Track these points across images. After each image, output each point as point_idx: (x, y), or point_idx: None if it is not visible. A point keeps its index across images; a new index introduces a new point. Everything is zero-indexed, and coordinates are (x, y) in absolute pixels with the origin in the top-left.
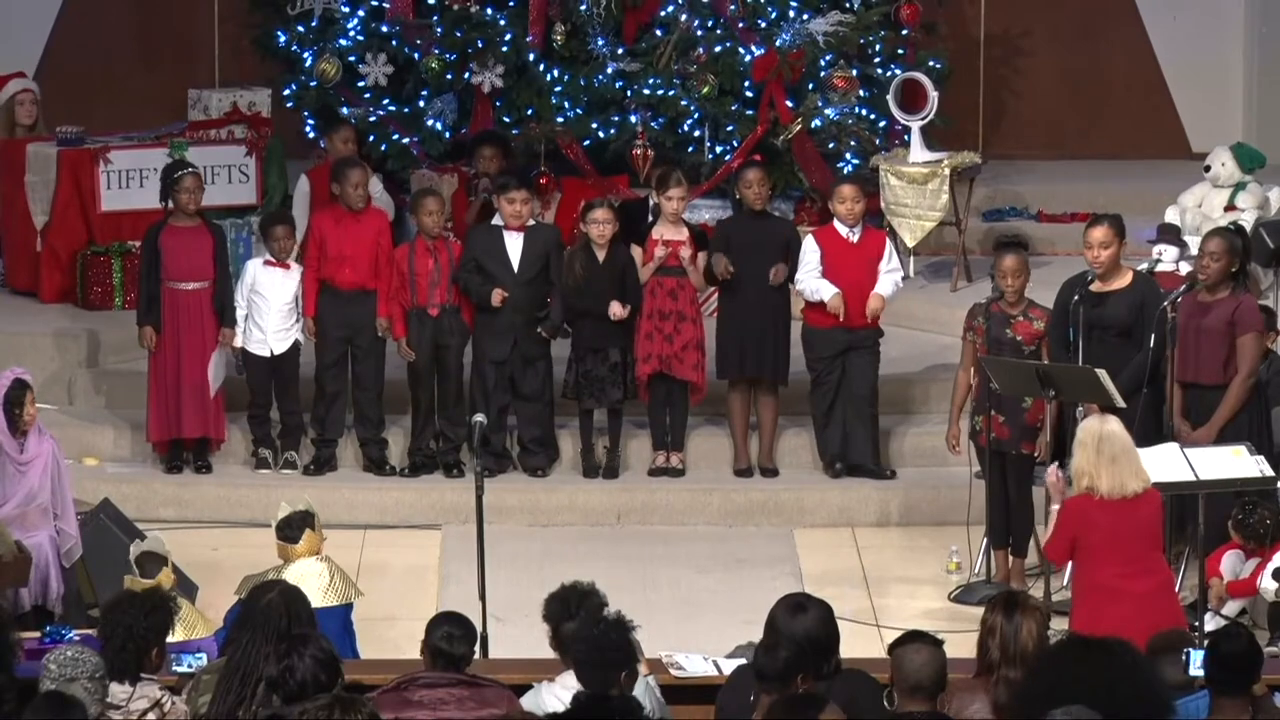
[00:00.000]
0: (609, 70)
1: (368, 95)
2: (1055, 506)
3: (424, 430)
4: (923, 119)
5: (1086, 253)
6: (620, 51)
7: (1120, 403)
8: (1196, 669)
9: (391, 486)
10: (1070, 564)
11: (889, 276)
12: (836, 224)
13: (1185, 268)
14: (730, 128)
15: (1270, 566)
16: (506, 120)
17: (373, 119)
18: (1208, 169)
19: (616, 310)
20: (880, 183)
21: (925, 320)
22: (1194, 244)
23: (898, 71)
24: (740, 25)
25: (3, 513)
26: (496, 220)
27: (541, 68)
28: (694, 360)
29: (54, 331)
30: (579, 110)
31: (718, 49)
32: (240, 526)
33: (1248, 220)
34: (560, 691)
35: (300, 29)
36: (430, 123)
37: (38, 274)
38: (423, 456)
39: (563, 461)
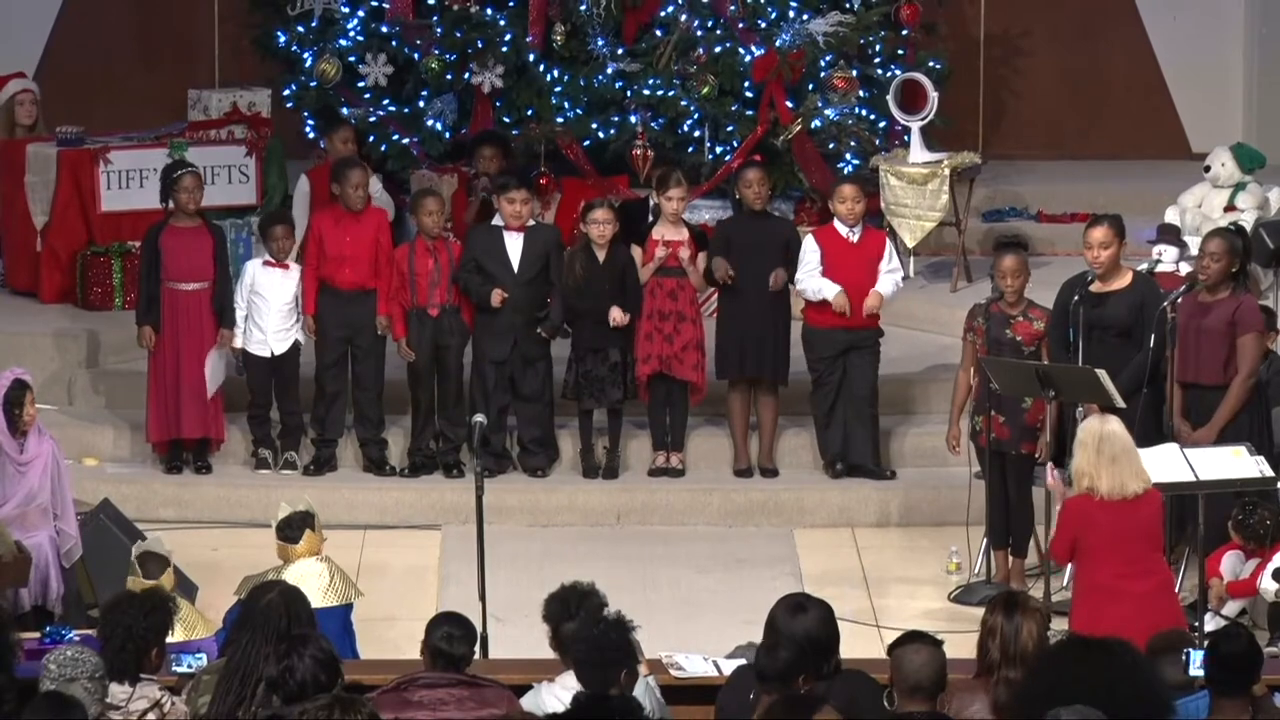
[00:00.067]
0: (609, 70)
1: (368, 95)
2: (1059, 507)
3: (424, 430)
4: (923, 119)
5: (1086, 253)
6: (620, 52)
7: (1120, 403)
8: (1196, 669)
9: (391, 487)
10: (1070, 564)
11: (889, 277)
12: (836, 224)
13: (1185, 268)
14: (730, 128)
15: (1270, 567)
16: (506, 120)
17: (373, 119)
18: (1208, 169)
19: (617, 317)
20: (880, 183)
21: (925, 320)
22: (1194, 244)
23: (898, 72)
24: (740, 25)
25: (3, 513)
26: (496, 220)
27: (541, 68)
28: (694, 360)
29: (54, 332)
30: (579, 110)
31: (718, 49)
32: (240, 527)
33: (1248, 220)
34: (560, 692)
35: (300, 29)
36: (430, 123)
37: (38, 274)
38: (423, 457)
39: (563, 462)
